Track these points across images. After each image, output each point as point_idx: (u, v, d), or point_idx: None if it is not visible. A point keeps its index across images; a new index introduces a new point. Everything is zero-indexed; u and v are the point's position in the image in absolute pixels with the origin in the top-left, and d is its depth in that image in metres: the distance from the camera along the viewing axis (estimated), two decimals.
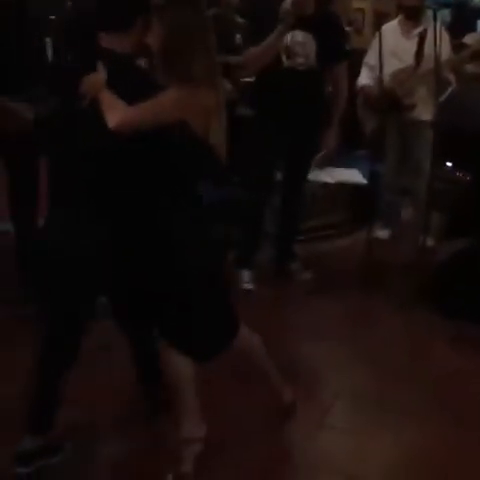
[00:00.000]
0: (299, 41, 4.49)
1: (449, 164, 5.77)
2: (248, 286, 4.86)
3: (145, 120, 2.66)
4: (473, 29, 8.74)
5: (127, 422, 3.39)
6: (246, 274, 4.89)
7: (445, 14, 7.82)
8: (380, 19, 6.69)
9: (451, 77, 5.31)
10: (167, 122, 2.67)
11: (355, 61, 6.78)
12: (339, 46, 4.69)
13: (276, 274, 5.08)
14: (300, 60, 4.52)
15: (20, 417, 2.99)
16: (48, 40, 4.22)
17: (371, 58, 5.40)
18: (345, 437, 3.40)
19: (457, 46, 5.38)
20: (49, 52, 4.23)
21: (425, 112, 5.18)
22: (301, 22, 4.31)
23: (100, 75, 2.70)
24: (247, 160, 4.70)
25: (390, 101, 5.14)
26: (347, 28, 7.12)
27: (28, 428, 2.98)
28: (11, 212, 4.47)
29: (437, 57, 4.73)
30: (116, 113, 2.65)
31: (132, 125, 2.65)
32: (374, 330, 4.43)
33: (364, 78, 5.45)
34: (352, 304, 4.73)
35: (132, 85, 2.73)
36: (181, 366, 2.91)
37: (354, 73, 5.69)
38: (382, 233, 5.75)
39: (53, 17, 4.24)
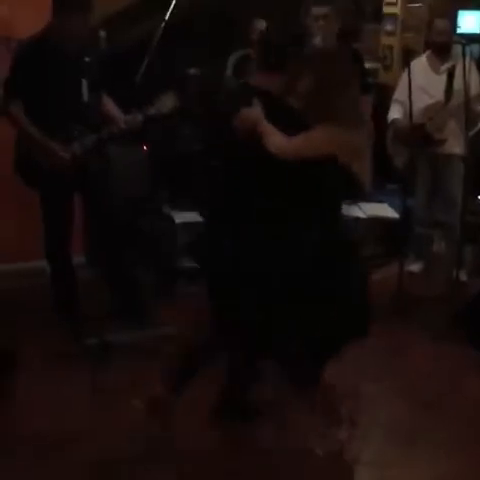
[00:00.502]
0: None
1: None
2: None
3: (304, 151, 3.04)
4: None
5: None
6: None
7: (475, 49, 7.84)
8: (408, 55, 6.74)
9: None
10: (321, 154, 3.04)
11: (384, 96, 6.86)
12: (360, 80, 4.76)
13: None
14: None
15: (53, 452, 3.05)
16: (84, 81, 4.35)
17: (401, 94, 5.45)
18: (378, 470, 3.39)
19: None
20: (85, 93, 4.37)
21: (456, 146, 5.22)
22: None
23: (257, 110, 3.09)
24: None
25: (420, 136, 5.18)
26: (376, 64, 7.23)
27: None
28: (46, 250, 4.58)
29: (467, 91, 4.78)
30: (279, 141, 3.04)
31: (293, 154, 3.03)
32: (408, 362, 4.41)
33: (394, 113, 5.49)
34: (386, 337, 4.69)
35: (284, 121, 3.08)
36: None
37: (383, 108, 5.76)
38: (414, 267, 5.74)
39: (88, 59, 4.37)
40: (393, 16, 7.11)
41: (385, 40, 7.22)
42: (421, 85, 5.24)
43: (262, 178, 3.11)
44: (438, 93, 5.22)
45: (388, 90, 6.84)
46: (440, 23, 5.38)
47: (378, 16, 7.51)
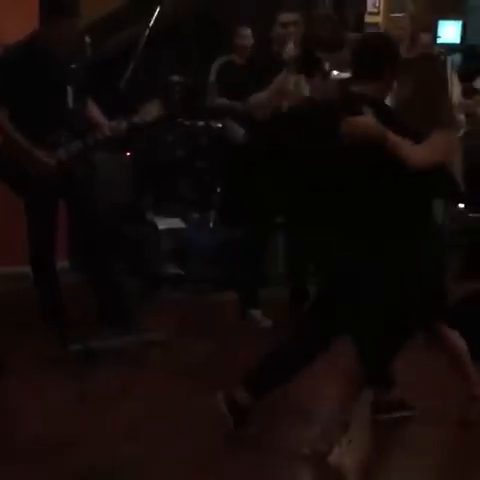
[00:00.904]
0: (302, 85, 4.63)
1: (462, 205, 5.85)
2: (266, 323, 4.90)
3: (432, 158, 3.10)
4: None
5: None
6: (257, 313, 4.94)
7: (456, 58, 7.93)
8: None
9: (462, 119, 5.39)
10: (444, 160, 3.17)
11: None
12: None
13: (291, 313, 5.11)
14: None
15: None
16: (69, 88, 4.34)
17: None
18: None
19: (468, 90, 5.47)
20: (70, 100, 4.37)
21: None
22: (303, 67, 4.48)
23: (368, 118, 3.10)
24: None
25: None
26: None
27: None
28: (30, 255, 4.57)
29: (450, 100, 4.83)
30: (411, 149, 3.05)
31: (423, 161, 3.07)
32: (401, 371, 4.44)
33: None
34: None
35: (392, 127, 3.09)
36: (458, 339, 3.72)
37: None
38: None
39: (74, 66, 4.37)
40: (375, 25, 7.17)
41: None
42: None
43: (374, 186, 3.14)
44: None
45: None
46: (425, 37, 5.46)
47: (360, 25, 7.56)
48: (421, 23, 7.51)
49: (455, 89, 5.30)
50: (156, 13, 5.95)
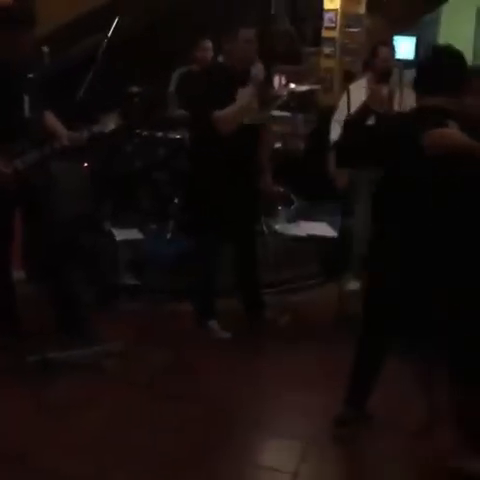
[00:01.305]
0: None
1: None
2: (225, 334, 4.91)
3: None
4: None
5: None
6: (214, 323, 4.96)
7: (410, 72, 8.07)
8: (348, 77, 6.91)
9: None
10: None
11: (324, 117, 6.99)
12: None
13: (250, 325, 5.13)
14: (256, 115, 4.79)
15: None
16: (26, 97, 4.32)
17: (341, 115, 5.56)
18: None
19: None
20: (26, 109, 4.34)
21: None
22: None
23: (455, 130, 3.16)
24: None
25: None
26: (317, 86, 7.37)
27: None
28: None
29: None
30: None
31: None
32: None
33: (335, 134, 5.59)
34: (325, 354, 4.77)
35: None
36: None
37: (324, 129, 5.86)
38: (353, 285, 5.82)
39: (31, 75, 4.34)
40: (332, 40, 7.26)
41: (324, 63, 7.37)
42: None
43: (459, 196, 3.21)
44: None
45: (328, 111, 6.98)
46: (384, 50, 5.52)
47: (318, 39, 7.66)
48: (377, 38, 7.65)
49: (409, 104, 5.38)
50: (115, 23, 5.95)
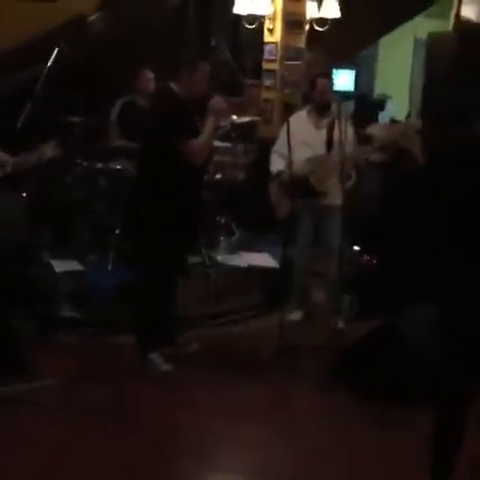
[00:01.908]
0: None
1: (356, 248, 6.00)
2: (167, 367, 4.87)
3: None
4: (375, 119, 9.19)
5: None
6: (155, 356, 4.90)
7: (349, 104, 8.21)
8: (288, 109, 6.97)
9: (352, 172, 5.54)
10: None
11: (265, 149, 7.04)
12: None
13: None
14: None
15: None
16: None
17: (281, 146, 5.61)
18: None
19: (362, 136, 5.64)
20: None
21: (336, 197, 5.38)
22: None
23: None
24: None
25: (304, 187, 5.34)
26: (257, 118, 7.42)
27: None
28: None
29: (343, 148, 5.00)
30: None
31: None
32: (289, 411, 4.48)
33: (277, 165, 5.63)
34: (267, 385, 4.76)
35: None
36: None
37: (264, 160, 5.89)
38: (294, 316, 5.84)
39: None
40: (272, 72, 7.33)
41: (265, 95, 7.43)
42: (302, 139, 5.41)
43: None
44: (320, 146, 5.40)
45: (268, 142, 7.03)
46: (323, 82, 5.59)
47: (258, 72, 7.72)
48: (316, 70, 7.75)
49: (349, 136, 5.46)
50: (55, 53, 5.92)
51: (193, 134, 4.66)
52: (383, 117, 10.26)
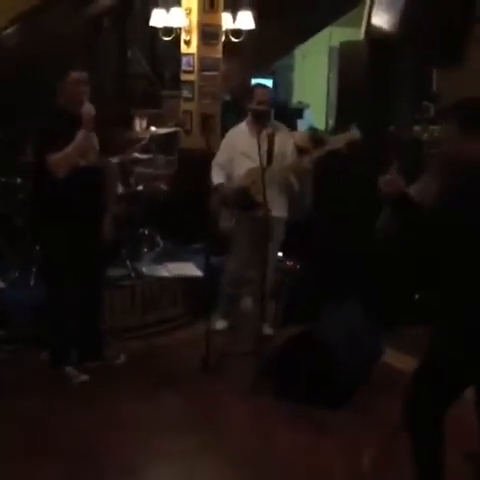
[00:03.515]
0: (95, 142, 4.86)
1: (280, 254, 6.07)
2: (82, 378, 4.87)
3: None
4: (294, 127, 9.33)
5: None
6: (71, 369, 4.90)
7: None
8: (206, 120, 7.03)
9: (294, 180, 5.61)
10: None
11: (187, 159, 7.08)
12: None
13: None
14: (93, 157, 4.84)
15: None
16: None
17: (221, 158, 5.66)
18: None
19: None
20: None
21: (275, 209, 5.43)
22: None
23: None
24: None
25: (244, 199, 5.38)
26: (177, 128, 7.45)
27: None
28: None
29: (283, 159, 5.34)
30: None
31: None
32: (218, 419, 4.50)
33: (218, 177, 5.65)
34: (194, 395, 4.79)
35: None
36: None
37: (187, 170, 5.93)
38: (220, 324, 5.87)
39: None
40: (190, 83, 7.37)
41: (184, 106, 7.45)
42: (243, 150, 5.47)
43: None
44: (259, 157, 5.18)
45: (189, 153, 7.07)
46: (260, 92, 5.63)
47: (176, 83, 7.76)
48: (233, 81, 7.85)
49: (289, 148, 5.57)
50: None
51: (63, 147, 4.64)
52: (302, 125, 10.43)
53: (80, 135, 4.65)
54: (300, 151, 5.78)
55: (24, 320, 5.36)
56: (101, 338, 5.17)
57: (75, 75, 4.73)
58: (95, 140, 4.84)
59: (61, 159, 4.62)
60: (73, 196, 4.67)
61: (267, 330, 5.53)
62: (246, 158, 5.44)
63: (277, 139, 5.19)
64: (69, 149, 4.63)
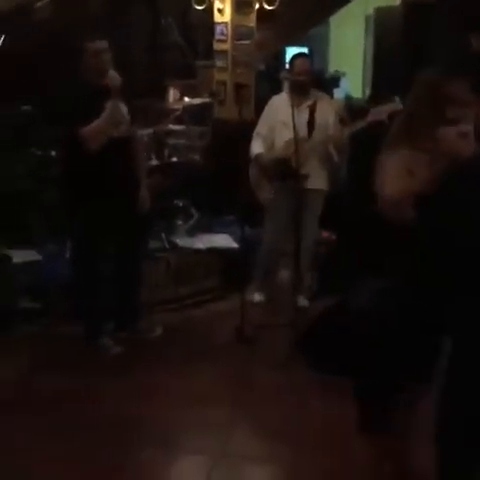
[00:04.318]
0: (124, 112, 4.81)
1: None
2: (116, 350, 4.89)
3: None
4: (330, 97, 9.19)
5: None
6: (104, 340, 4.91)
7: None
8: (239, 90, 6.96)
9: (333, 151, 5.52)
10: None
11: (220, 130, 7.02)
12: None
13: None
14: (125, 127, 4.79)
15: None
16: None
17: (262, 127, 5.60)
18: None
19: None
20: None
21: (317, 180, 5.38)
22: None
23: None
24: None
25: (284, 170, 5.31)
26: (210, 99, 7.39)
27: None
28: None
29: (325, 129, 5.30)
30: None
31: None
32: (253, 391, 4.49)
33: (257, 147, 5.59)
34: (229, 367, 4.77)
35: None
36: None
37: (220, 141, 5.87)
38: (257, 297, 5.84)
39: None
40: (224, 52, 7.29)
41: (218, 76, 7.38)
42: (283, 120, 5.39)
43: None
44: (301, 128, 5.17)
45: (223, 124, 7.00)
46: (300, 62, 5.54)
47: (210, 53, 7.68)
48: (267, 50, 7.75)
49: (331, 118, 5.50)
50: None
51: (92, 119, 4.59)
52: (338, 94, 10.30)
53: (110, 105, 4.61)
54: (342, 120, 5.68)
55: (58, 293, 5.38)
56: (139, 310, 5.17)
57: (95, 45, 4.66)
58: (125, 110, 4.79)
59: (93, 131, 4.58)
60: (107, 167, 4.64)
61: (302, 302, 5.50)
62: (286, 128, 5.34)
63: (318, 109, 5.12)
64: (101, 120, 4.59)
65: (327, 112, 5.46)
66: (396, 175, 2.85)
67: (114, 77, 4.60)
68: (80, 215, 4.85)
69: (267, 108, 5.74)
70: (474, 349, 2.87)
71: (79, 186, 4.80)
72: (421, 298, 2.95)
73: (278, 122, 5.49)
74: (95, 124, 4.58)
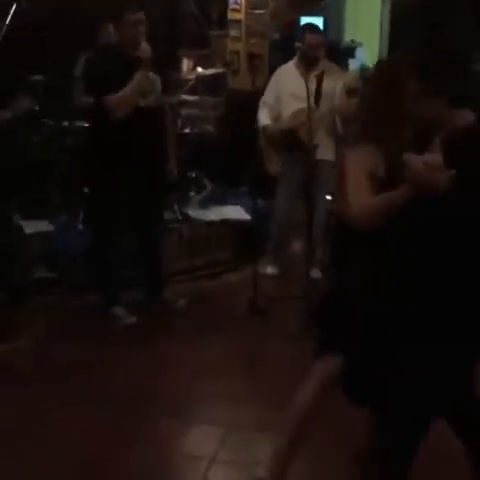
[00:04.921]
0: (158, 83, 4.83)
1: (328, 197, 5.97)
2: (130, 319, 4.89)
3: None
4: (346, 67, 9.10)
5: None
6: (119, 309, 4.92)
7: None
8: (252, 59, 6.88)
9: (338, 122, 5.48)
10: None
11: (234, 100, 6.97)
12: None
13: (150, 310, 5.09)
14: (153, 98, 4.79)
15: None
16: None
17: (269, 97, 5.56)
18: (239, 470, 3.44)
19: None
20: None
21: (325, 151, 5.35)
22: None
23: None
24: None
25: (291, 141, 5.27)
26: (224, 69, 7.32)
27: None
28: None
29: (332, 100, 5.30)
30: None
31: None
32: (265, 363, 4.49)
33: (264, 118, 5.55)
34: (241, 339, 4.78)
35: None
36: None
37: (234, 111, 5.82)
38: (270, 269, 5.84)
39: None
40: (238, 22, 7.22)
41: (231, 46, 7.32)
42: (291, 90, 5.36)
43: None
44: (307, 99, 5.18)
45: (237, 94, 6.95)
46: (311, 37, 5.49)
47: (224, 22, 7.61)
48: (281, 19, 7.66)
49: (338, 88, 5.45)
50: (12, 10, 5.78)
51: (121, 88, 4.60)
52: (354, 64, 10.18)
53: (138, 75, 4.62)
54: (352, 92, 5.62)
55: (72, 264, 5.40)
56: (162, 280, 5.19)
57: (134, 16, 4.65)
58: (158, 81, 4.82)
59: (120, 99, 4.59)
60: (134, 136, 4.65)
61: (315, 274, 5.49)
62: (294, 99, 5.31)
63: (326, 79, 5.06)
64: (127, 89, 4.60)
65: (334, 82, 5.39)
66: (357, 182, 2.72)
67: (146, 49, 4.62)
68: (99, 185, 4.83)
69: (274, 78, 5.69)
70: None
71: (104, 155, 4.78)
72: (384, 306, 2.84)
73: (285, 92, 5.44)
74: (121, 93, 4.58)
